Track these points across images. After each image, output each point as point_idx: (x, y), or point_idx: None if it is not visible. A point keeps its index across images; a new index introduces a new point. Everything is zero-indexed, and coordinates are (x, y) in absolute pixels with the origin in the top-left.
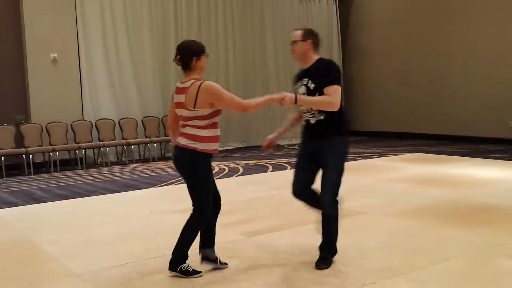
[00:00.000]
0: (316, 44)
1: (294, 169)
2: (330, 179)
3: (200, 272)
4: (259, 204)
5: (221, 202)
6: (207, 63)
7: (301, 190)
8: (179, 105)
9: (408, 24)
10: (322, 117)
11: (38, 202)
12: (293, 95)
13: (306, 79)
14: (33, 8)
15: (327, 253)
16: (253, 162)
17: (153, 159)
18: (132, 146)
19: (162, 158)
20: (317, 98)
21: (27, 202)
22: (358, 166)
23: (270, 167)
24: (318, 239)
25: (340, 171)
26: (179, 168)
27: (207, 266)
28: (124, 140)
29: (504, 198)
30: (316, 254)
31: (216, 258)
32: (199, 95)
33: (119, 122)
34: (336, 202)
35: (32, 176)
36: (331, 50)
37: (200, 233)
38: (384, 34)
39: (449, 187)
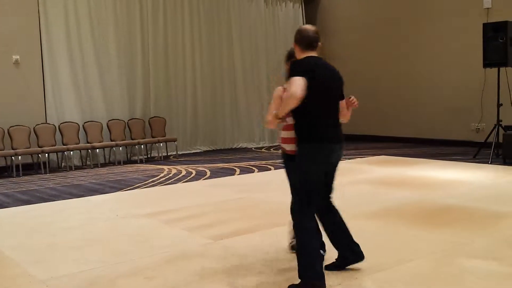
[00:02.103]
0: (302, 45)
1: None
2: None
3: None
4: (227, 207)
5: (188, 205)
6: None
7: None
8: None
9: (374, 29)
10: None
11: (0, 208)
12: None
13: None
14: None
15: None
16: (220, 165)
17: (119, 163)
18: (97, 149)
19: (128, 161)
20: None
21: None
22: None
23: (238, 170)
24: (284, 242)
25: (294, 183)
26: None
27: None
28: (88, 144)
29: (466, 199)
30: (282, 257)
31: None
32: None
33: (83, 125)
34: (298, 212)
35: None
36: None
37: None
38: (350, 38)
39: (413, 188)
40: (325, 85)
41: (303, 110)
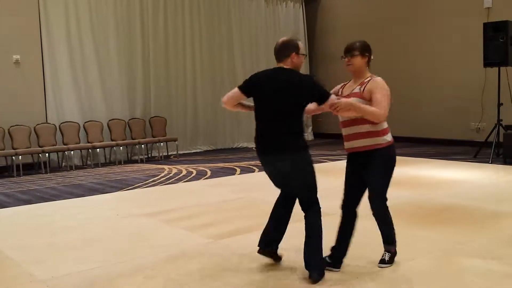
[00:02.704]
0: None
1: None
2: None
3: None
4: (227, 207)
5: (189, 205)
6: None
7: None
8: None
9: (374, 28)
10: None
11: (0, 207)
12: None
13: None
14: None
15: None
16: (220, 165)
17: (119, 163)
18: (98, 149)
19: (128, 161)
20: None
21: None
22: (325, 168)
23: (238, 170)
24: (285, 241)
25: None
26: None
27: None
28: (89, 144)
29: (466, 198)
30: (290, 255)
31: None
32: None
33: (84, 125)
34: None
35: None
36: None
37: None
38: (350, 38)
39: (413, 188)
40: (265, 97)
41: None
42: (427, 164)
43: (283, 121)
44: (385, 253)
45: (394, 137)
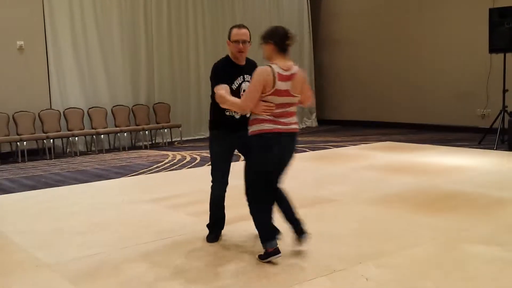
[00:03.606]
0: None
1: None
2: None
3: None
4: (231, 193)
5: (192, 190)
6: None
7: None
8: (285, 93)
9: (379, 14)
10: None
11: (5, 193)
12: None
13: (248, 76)
14: None
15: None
16: None
17: (123, 149)
18: (102, 135)
19: (132, 147)
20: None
21: None
22: (329, 154)
23: (242, 156)
24: (287, 228)
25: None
26: (292, 153)
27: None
28: (93, 130)
29: (471, 185)
30: (288, 241)
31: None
32: (303, 79)
33: (88, 111)
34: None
35: None
36: (302, 40)
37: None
38: (355, 24)
39: (418, 174)
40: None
41: None
42: (432, 150)
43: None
44: None
45: (399, 123)
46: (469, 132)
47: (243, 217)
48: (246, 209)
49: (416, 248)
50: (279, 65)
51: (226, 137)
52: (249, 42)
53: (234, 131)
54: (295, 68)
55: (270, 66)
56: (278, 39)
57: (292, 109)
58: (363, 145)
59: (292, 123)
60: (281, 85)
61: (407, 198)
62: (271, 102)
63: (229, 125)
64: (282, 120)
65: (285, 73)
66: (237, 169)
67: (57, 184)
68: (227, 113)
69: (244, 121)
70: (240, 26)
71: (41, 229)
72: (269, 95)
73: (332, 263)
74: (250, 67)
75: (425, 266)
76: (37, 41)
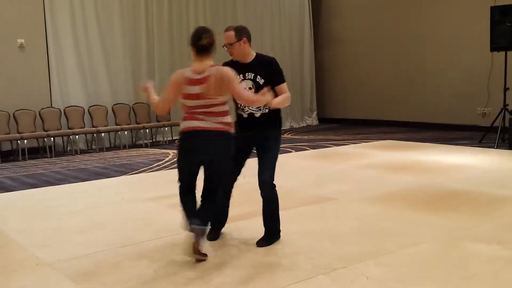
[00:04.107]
0: (249, 39)
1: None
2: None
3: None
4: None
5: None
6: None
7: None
8: (197, 96)
9: (380, 12)
10: (267, 111)
11: (6, 191)
12: (269, 97)
13: (251, 74)
14: None
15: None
16: None
17: (124, 147)
18: (103, 134)
19: (133, 146)
20: (283, 97)
21: None
22: (329, 153)
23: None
24: (288, 225)
25: (275, 160)
26: (217, 153)
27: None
28: (94, 128)
29: (471, 183)
30: (288, 240)
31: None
32: (223, 81)
33: (88, 110)
34: (274, 185)
35: (0, 164)
36: (303, 38)
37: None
38: (356, 21)
39: (418, 173)
40: None
41: None
42: (433, 149)
43: None
44: None
45: (400, 121)
46: (470, 130)
47: (243, 215)
48: (247, 208)
49: (416, 247)
50: (192, 69)
51: None
52: (233, 43)
53: None
54: (210, 70)
55: (185, 70)
56: (192, 42)
57: (215, 109)
58: (364, 143)
59: (214, 122)
60: (189, 89)
61: (407, 196)
62: (185, 105)
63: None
64: (193, 120)
65: (194, 77)
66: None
67: (58, 182)
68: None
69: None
70: (226, 30)
71: (41, 227)
72: (182, 98)
73: (332, 261)
74: (257, 64)
75: (426, 264)
76: (38, 39)
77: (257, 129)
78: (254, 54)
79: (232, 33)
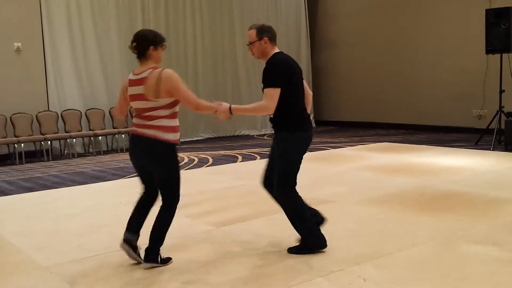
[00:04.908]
0: (272, 39)
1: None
2: (278, 171)
3: (170, 258)
4: (229, 194)
5: (191, 192)
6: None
7: (263, 180)
8: (136, 97)
9: (375, 15)
10: (276, 113)
11: (3, 195)
12: (227, 105)
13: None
14: None
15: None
16: (222, 152)
17: (121, 150)
18: (100, 137)
19: None
20: (252, 105)
21: None
22: (326, 155)
23: (240, 157)
24: (286, 229)
25: (284, 165)
26: (147, 159)
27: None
28: (91, 131)
29: (467, 185)
30: (284, 243)
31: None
32: (161, 84)
33: (85, 113)
34: (285, 189)
35: None
36: (299, 41)
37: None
38: (352, 25)
39: (415, 175)
40: (300, 79)
41: (288, 105)
42: (429, 151)
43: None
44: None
45: (396, 124)
46: (466, 132)
47: (241, 217)
48: (246, 210)
49: (413, 249)
50: (133, 71)
51: None
52: (254, 42)
53: None
54: (148, 72)
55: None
56: (133, 47)
57: (154, 113)
58: (360, 146)
59: (145, 126)
60: (130, 90)
61: (404, 198)
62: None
63: None
64: (135, 122)
65: (133, 78)
66: (236, 170)
67: (55, 186)
68: None
69: None
70: (249, 28)
71: (39, 230)
72: (130, 100)
73: (329, 263)
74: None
75: (423, 266)
76: (35, 42)
77: (274, 131)
78: (272, 54)
79: (253, 31)
